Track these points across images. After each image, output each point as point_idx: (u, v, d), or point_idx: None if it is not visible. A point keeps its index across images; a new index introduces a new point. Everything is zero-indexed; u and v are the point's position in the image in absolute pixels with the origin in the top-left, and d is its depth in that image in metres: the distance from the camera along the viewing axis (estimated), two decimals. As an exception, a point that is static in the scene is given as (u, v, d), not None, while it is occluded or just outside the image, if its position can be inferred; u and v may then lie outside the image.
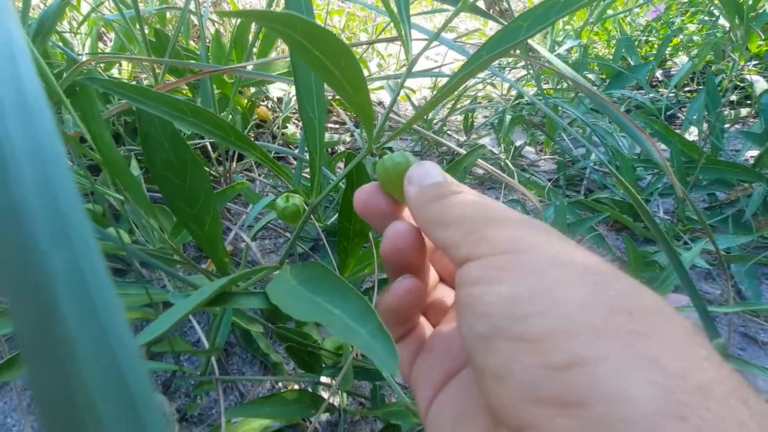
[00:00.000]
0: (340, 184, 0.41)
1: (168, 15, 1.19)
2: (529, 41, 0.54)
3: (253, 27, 0.99)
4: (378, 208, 0.29)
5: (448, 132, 1.50)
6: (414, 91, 1.51)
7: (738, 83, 1.43)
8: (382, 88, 1.39)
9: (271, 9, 0.80)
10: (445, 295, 0.31)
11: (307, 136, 0.29)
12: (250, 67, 0.77)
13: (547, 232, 0.22)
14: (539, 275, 0.20)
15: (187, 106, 0.27)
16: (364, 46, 1.51)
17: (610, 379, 0.17)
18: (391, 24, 0.32)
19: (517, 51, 0.96)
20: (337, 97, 1.35)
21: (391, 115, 1.10)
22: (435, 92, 1.67)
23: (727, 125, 1.21)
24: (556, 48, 1.40)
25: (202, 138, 0.91)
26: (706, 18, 1.67)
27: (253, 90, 1.14)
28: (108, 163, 0.35)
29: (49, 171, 0.08)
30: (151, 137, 0.31)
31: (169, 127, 0.31)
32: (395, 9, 0.28)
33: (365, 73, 0.26)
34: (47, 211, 0.08)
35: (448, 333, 0.28)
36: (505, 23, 0.25)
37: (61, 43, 0.90)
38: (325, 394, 0.58)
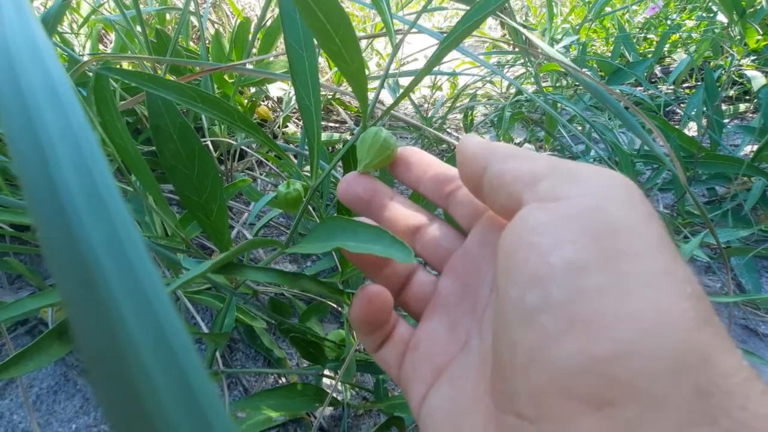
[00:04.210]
0: (339, 177, 0.42)
1: (167, 17, 1.20)
2: (529, 36, 0.55)
3: (253, 27, 0.99)
4: (355, 193, 0.29)
5: (448, 130, 1.50)
6: (414, 90, 1.52)
7: (736, 79, 1.43)
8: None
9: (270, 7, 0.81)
10: (425, 282, 0.29)
11: (305, 123, 0.30)
12: (249, 65, 0.78)
13: (643, 201, 0.18)
14: (614, 240, 0.17)
15: (196, 93, 0.28)
16: (364, 47, 1.51)
17: (653, 380, 0.15)
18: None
19: (516, 49, 0.96)
20: (338, 96, 1.36)
21: (392, 111, 1.10)
22: (433, 89, 1.68)
23: (726, 120, 1.22)
24: (554, 45, 1.40)
25: (204, 137, 0.92)
26: (704, 14, 1.68)
27: (253, 90, 1.15)
28: (121, 152, 0.36)
29: (84, 152, 0.09)
30: (161, 129, 0.32)
31: (178, 119, 0.32)
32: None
33: (365, 72, 0.29)
34: (86, 191, 0.08)
35: (434, 327, 0.27)
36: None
37: (62, 44, 0.91)
38: (328, 389, 0.59)
